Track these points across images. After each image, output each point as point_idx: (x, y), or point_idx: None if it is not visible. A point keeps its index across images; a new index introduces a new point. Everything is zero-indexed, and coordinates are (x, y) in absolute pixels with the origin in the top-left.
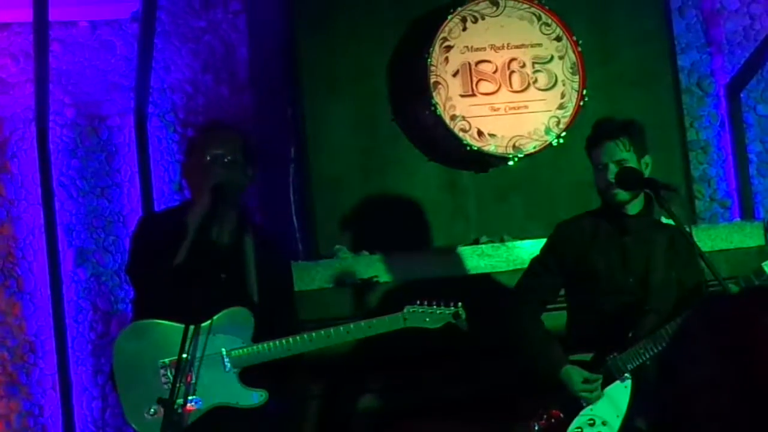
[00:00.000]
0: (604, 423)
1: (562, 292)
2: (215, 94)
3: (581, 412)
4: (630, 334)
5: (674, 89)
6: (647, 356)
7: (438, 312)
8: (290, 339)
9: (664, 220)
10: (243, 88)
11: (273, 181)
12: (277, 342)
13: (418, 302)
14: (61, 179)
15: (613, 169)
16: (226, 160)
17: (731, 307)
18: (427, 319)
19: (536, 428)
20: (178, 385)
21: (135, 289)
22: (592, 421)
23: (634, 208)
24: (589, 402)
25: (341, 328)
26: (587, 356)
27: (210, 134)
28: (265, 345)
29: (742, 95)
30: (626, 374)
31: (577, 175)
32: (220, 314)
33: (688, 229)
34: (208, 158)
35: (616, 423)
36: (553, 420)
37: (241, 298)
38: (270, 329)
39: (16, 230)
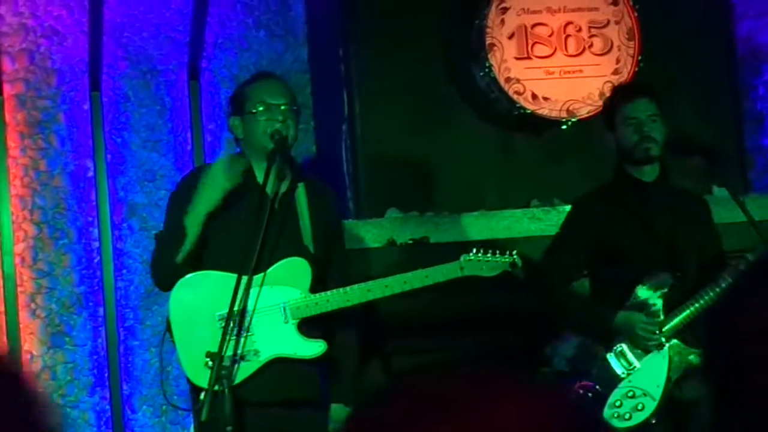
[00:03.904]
0: (644, 394)
1: None
2: (269, 50)
3: (619, 385)
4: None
5: (730, 57)
6: (685, 323)
7: (494, 260)
8: (348, 289)
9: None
10: (297, 45)
11: (326, 139)
12: (335, 292)
13: (474, 250)
14: (113, 132)
15: (648, 123)
16: (285, 108)
17: None
18: (484, 268)
19: None
20: (228, 338)
21: None
22: (631, 393)
23: (650, 174)
24: (648, 345)
25: (399, 277)
26: None
27: (266, 83)
28: (324, 295)
29: None
30: (663, 343)
31: None
32: (277, 265)
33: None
34: (264, 107)
35: (657, 393)
36: (589, 393)
37: (298, 248)
38: (325, 279)
39: (67, 182)
